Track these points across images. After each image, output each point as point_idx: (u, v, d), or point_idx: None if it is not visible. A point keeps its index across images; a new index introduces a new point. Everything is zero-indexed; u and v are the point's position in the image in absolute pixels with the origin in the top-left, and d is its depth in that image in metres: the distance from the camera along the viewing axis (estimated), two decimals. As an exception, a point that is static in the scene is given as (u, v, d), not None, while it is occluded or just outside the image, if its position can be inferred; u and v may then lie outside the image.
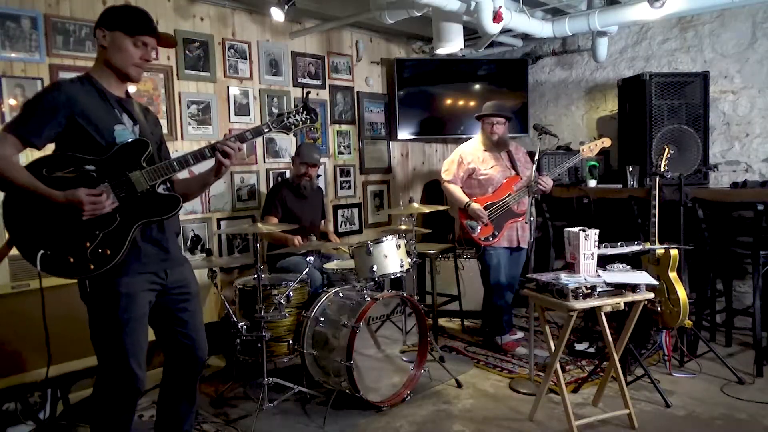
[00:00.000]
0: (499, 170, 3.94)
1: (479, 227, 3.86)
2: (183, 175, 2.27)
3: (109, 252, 1.95)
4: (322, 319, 3.20)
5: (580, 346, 3.85)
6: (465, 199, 3.92)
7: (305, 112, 2.27)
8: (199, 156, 2.10)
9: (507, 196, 3.87)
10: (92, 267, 1.93)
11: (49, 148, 2.01)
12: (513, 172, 3.96)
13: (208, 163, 2.16)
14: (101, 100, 2.02)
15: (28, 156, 2.10)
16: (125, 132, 2.03)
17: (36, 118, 1.91)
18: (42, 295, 2.37)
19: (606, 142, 3.68)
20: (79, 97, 1.96)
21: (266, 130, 2.23)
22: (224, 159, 2.11)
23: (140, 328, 2.06)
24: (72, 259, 1.92)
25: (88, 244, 1.93)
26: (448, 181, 4.04)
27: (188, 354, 2.24)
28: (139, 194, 2.01)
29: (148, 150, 2.03)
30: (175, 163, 2.05)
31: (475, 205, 3.85)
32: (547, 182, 3.67)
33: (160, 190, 2.09)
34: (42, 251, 1.91)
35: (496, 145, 3.96)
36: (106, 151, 1.98)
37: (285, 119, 2.25)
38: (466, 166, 3.98)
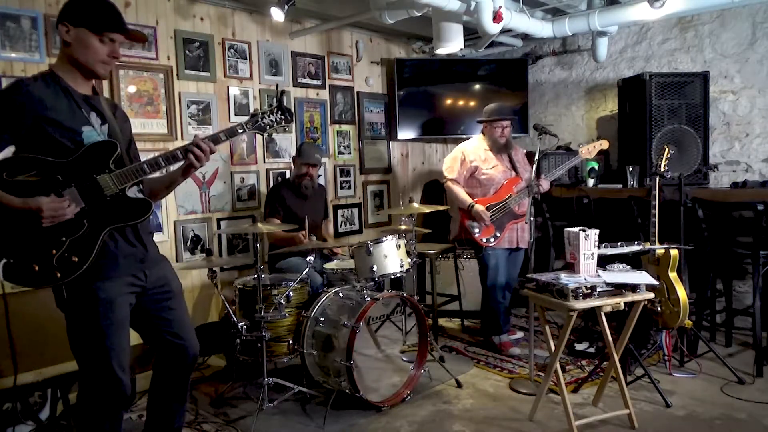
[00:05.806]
0: (500, 170, 3.93)
1: (481, 228, 3.86)
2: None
3: (76, 259, 1.85)
4: (322, 319, 3.20)
5: (580, 346, 3.85)
6: (468, 200, 3.89)
7: (280, 112, 2.18)
8: (170, 158, 2.03)
9: (508, 198, 3.87)
10: (59, 275, 1.84)
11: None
12: (513, 173, 3.96)
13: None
14: (67, 100, 1.91)
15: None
16: (93, 133, 1.93)
17: None
18: (5, 302, 2.29)
19: (604, 144, 3.75)
20: (43, 97, 1.85)
21: (240, 131, 2.13)
22: (195, 161, 2.04)
23: (122, 333, 1.99)
24: (37, 268, 1.82)
25: (54, 252, 1.84)
26: (452, 180, 4.00)
27: (178, 353, 2.18)
28: (108, 198, 1.92)
29: (117, 152, 1.94)
30: (145, 166, 1.97)
31: (479, 207, 3.83)
32: (543, 186, 3.76)
33: (131, 193, 2.00)
34: (5, 260, 1.81)
35: (505, 147, 3.96)
36: (72, 154, 1.88)
37: (259, 119, 2.16)
38: (469, 164, 3.96)
